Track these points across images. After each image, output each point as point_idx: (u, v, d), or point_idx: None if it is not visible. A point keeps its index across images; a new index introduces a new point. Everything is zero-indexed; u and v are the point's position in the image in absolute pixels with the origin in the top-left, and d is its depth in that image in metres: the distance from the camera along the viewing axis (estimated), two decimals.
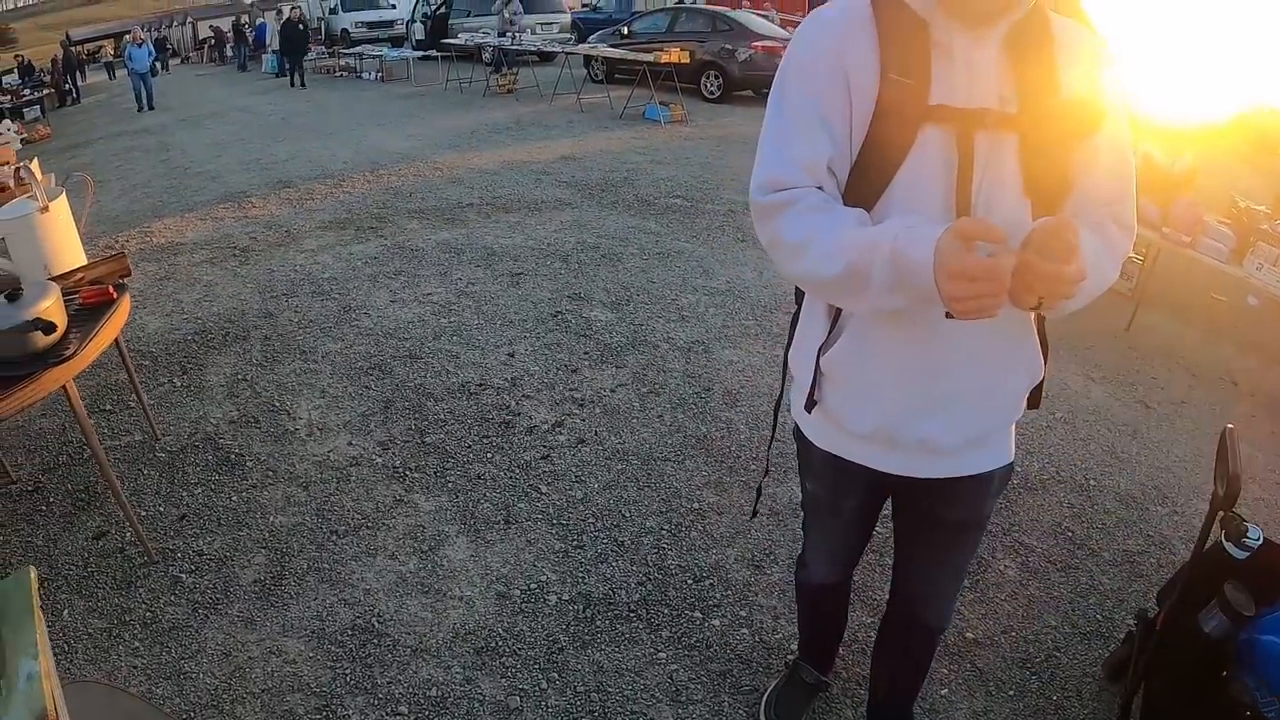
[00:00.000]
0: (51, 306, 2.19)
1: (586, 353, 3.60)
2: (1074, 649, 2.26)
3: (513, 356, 3.53)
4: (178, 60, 25.98)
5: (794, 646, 2.09)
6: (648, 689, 1.99)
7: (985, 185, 1.08)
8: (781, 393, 1.55)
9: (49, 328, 2.11)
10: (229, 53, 22.57)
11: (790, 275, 1.15)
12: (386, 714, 1.91)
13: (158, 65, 16.09)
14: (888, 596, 1.74)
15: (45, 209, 2.62)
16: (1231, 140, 7.09)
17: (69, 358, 2.15)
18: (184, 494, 2.62)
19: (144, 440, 2.84)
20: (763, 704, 1.98)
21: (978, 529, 1.52)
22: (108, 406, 3.01)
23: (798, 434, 1.45)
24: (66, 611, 2.19)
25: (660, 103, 9.99)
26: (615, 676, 2.01)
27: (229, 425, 2.93)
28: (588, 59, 13.26)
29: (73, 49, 21.29)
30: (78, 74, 19.31)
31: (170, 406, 3.03)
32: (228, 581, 2.28)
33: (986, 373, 1.23)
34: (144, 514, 2.53)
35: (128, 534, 2.41)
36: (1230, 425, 1.67)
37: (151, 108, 13.87)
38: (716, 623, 2.20)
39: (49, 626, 2.07)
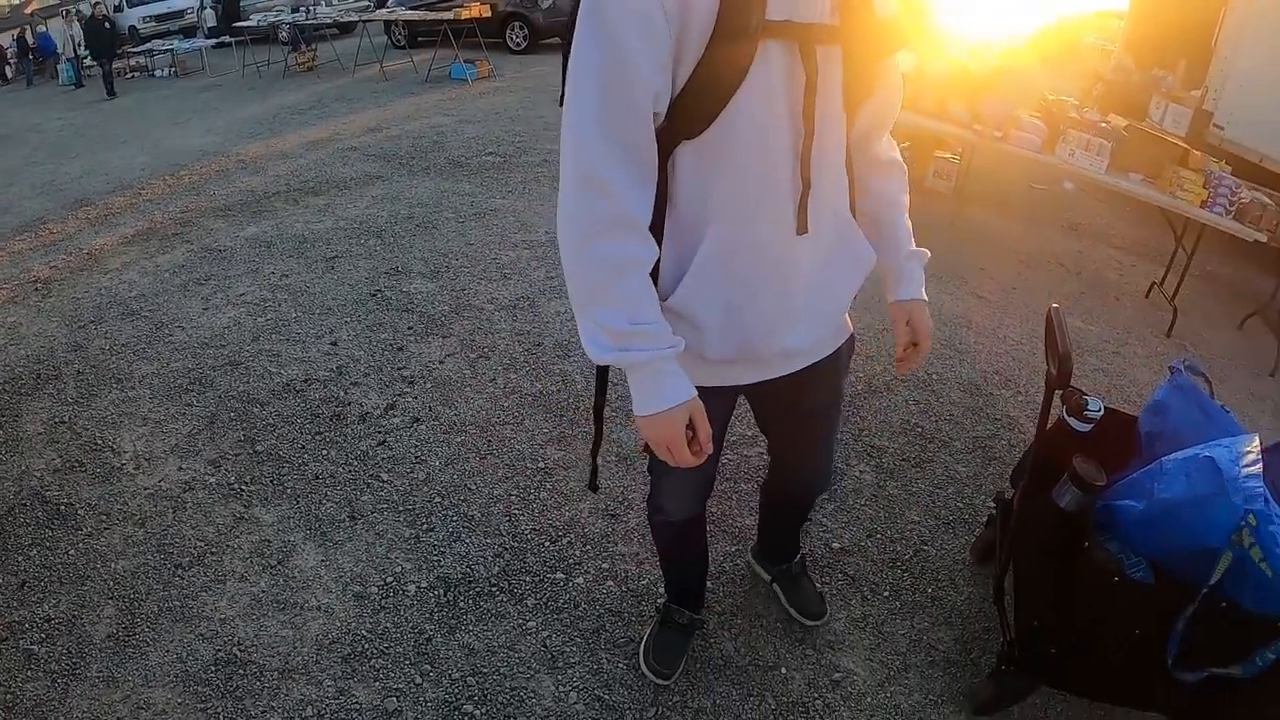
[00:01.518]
0: None
1: (410, 328, 3.60)
2: (940, 540, 2.48)
3: (335, 345, 3.49)
4: None
5: (662, 590, 2.17)
6: (523, 661, 2.09)
7: (819, 99, 1.12)
8: None
9: None
10: (9, 72, 19.95)
11: (570, 272, 1.17)
12: None
13: None
14: (766, 474, 1.96)
15: None
16: (1039, 49, 7.46)
17: None
18: (20, 559, 2.54)
19: None
20: (640, 654, 2.07)
21: (839, 402, 1.67)
22: None
23: None
24: None
25: (465, 61, 9.86)
26: (489, 656, 2.11)
27: (53, 475, 2.82)
28: (388, 25, 12.89)
29: None
30: None
31: None
32: (81, 643, 2.26)
33: (832, 277, 1.34)
34: None
35: None
36: (1055, 305, 1.77)
37: None
38: (580, 580, 2.33)
39: None
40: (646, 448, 1.30)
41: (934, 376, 3.29)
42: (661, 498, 1.70)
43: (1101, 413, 1.84)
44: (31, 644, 2.27)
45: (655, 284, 1.18)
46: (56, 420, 3.06)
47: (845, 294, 1.41)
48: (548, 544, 2.44)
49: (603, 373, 1.46)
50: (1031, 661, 1.85)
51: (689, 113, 1.10)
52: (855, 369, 3.26)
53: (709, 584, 2.20)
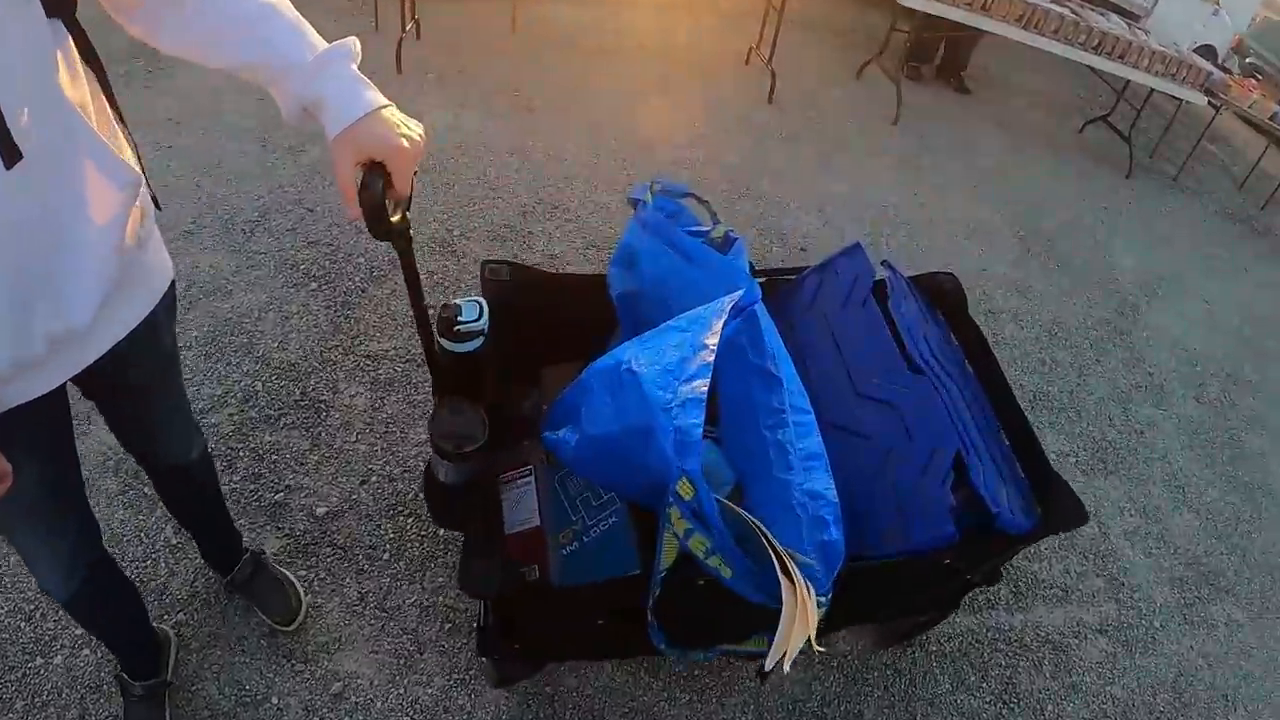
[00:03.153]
0: None
1: None
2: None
3: None
4: None
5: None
6: None
7: None
8: None
9: None
10: None
11: None
12: None
13: None
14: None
15: None
16: None
17: None
18: None
19: None
20: None
21: (173, 360, 1.45)
22: None
23: None
24: None
25: None
26: None
27: None
28: None
29: None
30: None
31: None
32: None
33: (66, 226, 1.01)
34: None
35: None
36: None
37: None
38: (59, 660, 2.09)
39: None
40: None
41: (452, 232, 3.02)
42: (40, 567, 1.40)
43: (484, 319, 1.44)
44: None
45: None
46: None
47: (109, 236, 1.08)
48: (23, 625, 2.26)
49: None
50: (490, 651, 1.69)
51: None
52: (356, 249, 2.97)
53: (180, 616, 2.07)
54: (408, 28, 4.24)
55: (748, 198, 3.49)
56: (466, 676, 2.06)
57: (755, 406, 1.35)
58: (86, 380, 1.26)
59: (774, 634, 1.17)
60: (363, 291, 2.93)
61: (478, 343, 1.48)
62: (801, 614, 1.16)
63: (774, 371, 1.34)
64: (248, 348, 2.71)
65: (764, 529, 1.22)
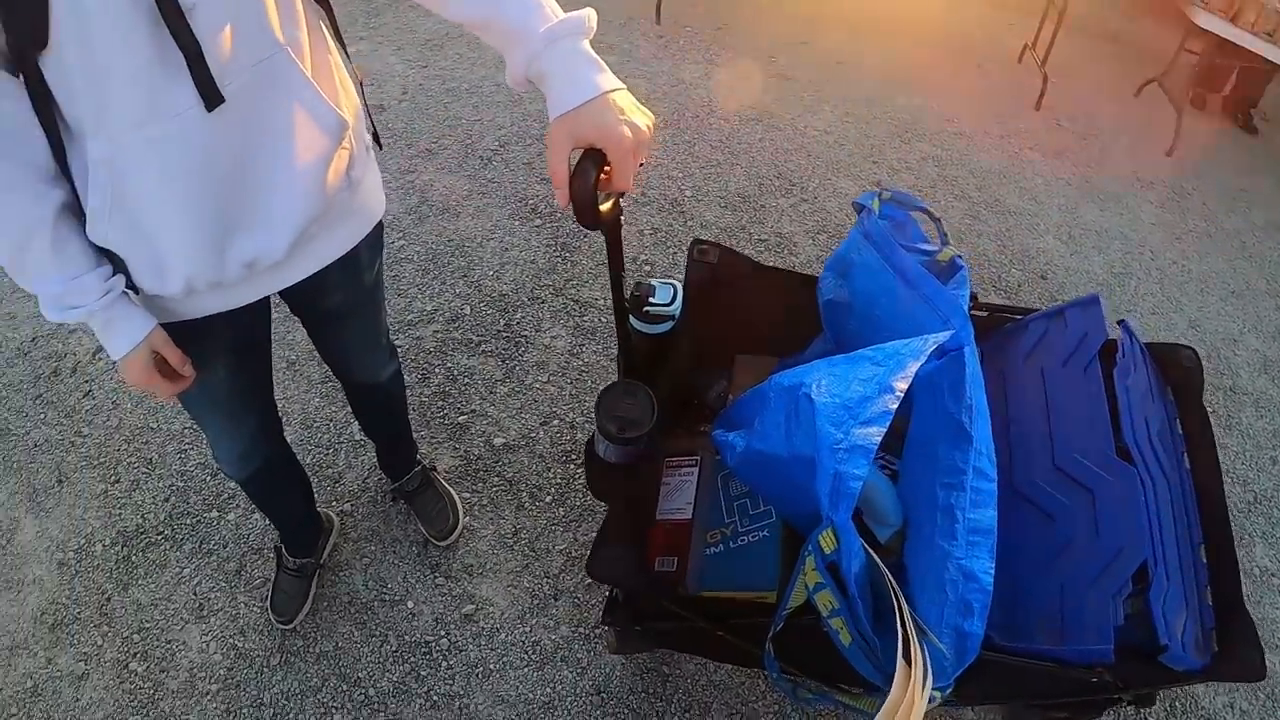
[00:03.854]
0: None
1: None
2: None
3: None
4: None
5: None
6: (177, 612, 2.27)
7: None
8: None
9: None
10: None
11: None
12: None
13: None
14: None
15: None
16: None
17: None
18: None
19: None
20: (268, 600, 2.14)
21: (372, 293, 1.53)
22: None
23: None
24: None
25: None
26: (151, 610, 2.30)
27: None
28: None
29: None
30: None
31: None
32: None
33: (265, 164, 1.11)
34: None
35: None
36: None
37: None
38: (231, 517, 2.43)
39: None
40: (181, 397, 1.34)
41: (685, 193, 2.99)
42: (214, 449, 1.61)
43: (676, 303, 1.42)
44: None
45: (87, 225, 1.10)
46: None
47: (302, 179, 1.15)
48: (209, 479, 2.54)
49: None
50: (614, 622, 1.69)
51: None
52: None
53: (346, 506, 2.22)
54: None
55: (994, 210, 3.15)
56: (591, 633, 2.06)
57: (938, 458, 1.19)
58: (287, 298, 1.37)
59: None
60: (584, 235, 2.94)
61: (667, 326, 1.46)
62: (907, 705, 1.03)
63: (967, 427, 1.17)
64: (464, 271, 2.79)
65: (902, 599, 1.08)
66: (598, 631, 2.06)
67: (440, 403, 2.55)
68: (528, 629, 2.09)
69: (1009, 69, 4.03)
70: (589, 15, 1.00)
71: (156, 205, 1.07)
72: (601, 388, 1.45)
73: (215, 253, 1.13)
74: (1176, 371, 1.57)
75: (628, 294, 1.39)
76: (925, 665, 1.05)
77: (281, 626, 2.16)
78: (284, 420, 2.48)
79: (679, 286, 1.46)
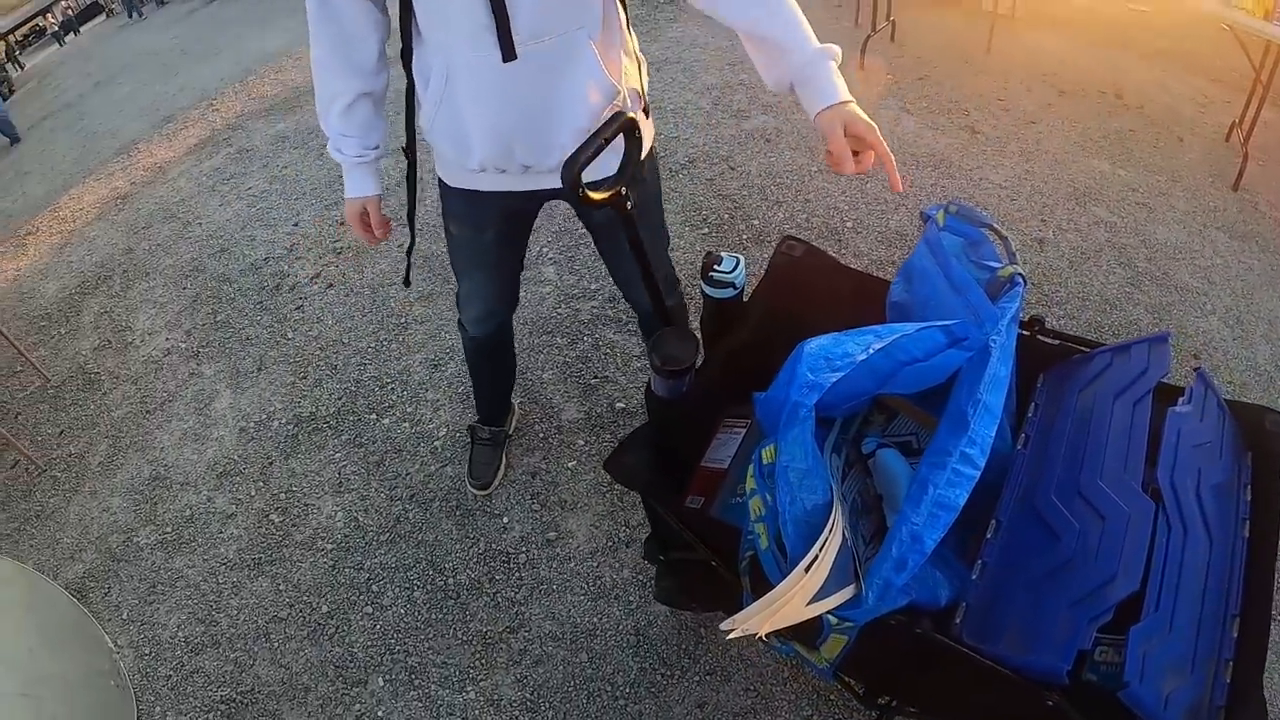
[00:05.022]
0: None
1: None
2: None
3: (297, 225, 4.07)
4: (102, 18, 24.95)
5: (467, 423, 2.58)
6: (321, 484, 2.63)
7: None
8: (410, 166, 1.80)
9: None
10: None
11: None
12: (160, 536, 2.71)
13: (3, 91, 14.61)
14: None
15: None
16: None
17: None
18: (63, 415, 3.49)
19: (41, 384, 3.73)
20: (466, 472, 2.45)
21: (635, 216, 1.74)
22: (18, 368, 3.92)
23: (440, 185, 1.77)
24: None
25: None
26: (301, 478, 2.67)
27: (93, 352, 3.75)
28: None
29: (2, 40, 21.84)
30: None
31: (58, 351, 3.89)
32: (83, 470, 3.14)
33: (558, 102, 1.47)
34: (39, 438, 3.43)
35: (31, 458, 3.31)
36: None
37: (17, 140, 9.33)
38: (386, 421, 2.79)
39: None
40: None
41: (846, 224, 3.16)
42: (463, 301, 2.00)
43: (738, 273, 1.59)
44: (57, 472, 3.19)
45: (421, 106, 1.57)
46: (102, 311, 3.99)
47: (576, 118, 1.50)
48: (377, 389, 2.91)
49: (411, 185, 1.82)
50: (649, 555, 1.82)
51: None
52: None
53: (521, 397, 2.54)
54: (879, 27, 4.48)
55: (1159, 283, 2.94)
56: (646, 582, 2.16)
57: (934, 441, 1.23)
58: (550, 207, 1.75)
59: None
60: (744, 249, 3.15)
61: (729, 293, 1.63)
62: (784, 601, 1.07)
63: (968, 418, 1.21)
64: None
65: (843, 532, 1.14)
66: (652, 582, 2.16)
67: (580, 364, 2.80)
68: (595, 564, 2.22)
69: (1213, 146, 3.84)
70: (839, 49, 1.33)
71: (469, 112, 1.48)
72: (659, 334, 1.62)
73: (505, 151, 1.54)
74: (1259, 436, 1.47)
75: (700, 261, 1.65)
76: (823, 583, 1.08)
77: (478, 492, 2.43)
78: (449, 359, 2.89)
79: (742, 260, 1.64)
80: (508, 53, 1.38)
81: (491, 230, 1.79)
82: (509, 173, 1.59)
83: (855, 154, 1.25)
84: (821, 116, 1.27)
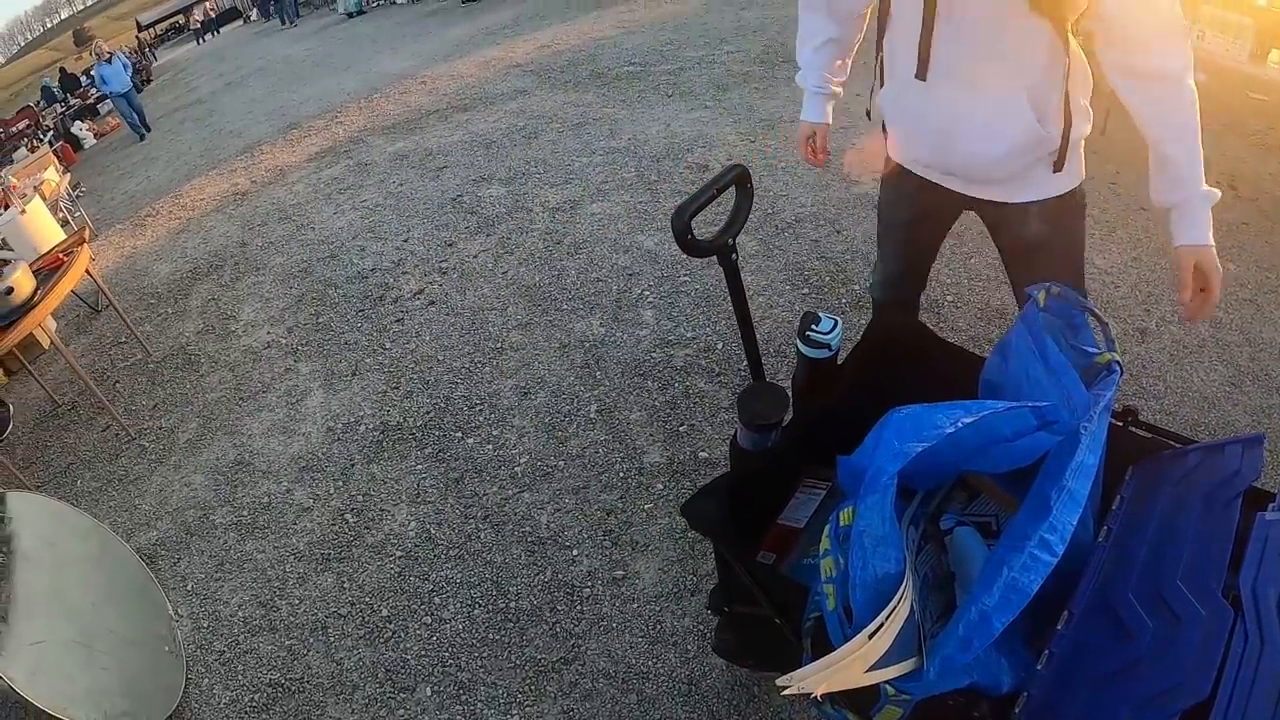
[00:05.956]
0: (19, 276, 3.18)
1: (466, 227, 4.18)
2: None
3: (406, 241, 4.19)
4: (239, 22, 26.25)
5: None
6: (399, 492, 2.64)
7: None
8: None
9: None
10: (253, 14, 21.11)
11: None
12: (236, 517, 2.76)
13: (139, 81, 15.45)
14: None
15: (23, 212, 3.68)
16: None
17: (34, 306, 3.15)
18: (159, 389, 3.63)
19: (142, 358, 3.88)
20: None
21: (1035, 253, 1.72)
22: (123, 339, 4.10)
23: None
24: (79, 481, 3.24)
25: None
26: (380, 484, 2.69)
27: (196, 335, 3.90)
28: None
29: (143, 33, 23.35)
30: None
31: (163, 329, 4.06)
32: (171, 443, 3.24)
33: (975, 124, 1.50)
34: (133, 407, 3.57)
35: (124, 424, 3.44)
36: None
37: (149, 129, 10.43)
38: (471, 441, 2.80)
39: (66, 496, 3.11)
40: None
41: (947, 298, 3.14)
42: (875, 272, 2.08)
43: (834, 335, 1.60)
44: (146, 442, 3.30)
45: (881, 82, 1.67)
46: (210, 297, 4.16)
47: (997, 142, 1.50)
48: (465, 409, 2.94)
49: None
50: (711, 604, 1.79)
51: None
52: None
53: (559, 463, 2.52)
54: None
55: (1262, 384, 2.62)
56: (708, 633, 2.08)
57: (1014, 523, 1.19)
58: (986, 219, 1.74)
59: None
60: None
61: (823, 353, 1.62)
62: (844, 665, 1.03)
63: (1051, 503, 1.17)
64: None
65: (912, 606, 1.10)
66: (712, 633, 2.10)
67: (669, 410, 2.79)
68: (658, 608, 2.16)
69: None
70: (1219, 194, 1.43)
71: (900, 118, 1.64)
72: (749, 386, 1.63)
73: (926, 153, 1.65)
74: None
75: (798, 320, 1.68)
76: (886, 651, 1.05)
77: None
78: (539, 388, 2.88)
79: (840, 322, 1.63)
80: (921, 69, 1.48)
81: (907, 211, 1.88)
82: (930, 169, 1.69)
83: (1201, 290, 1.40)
84: (1183, 249, 1.42)
